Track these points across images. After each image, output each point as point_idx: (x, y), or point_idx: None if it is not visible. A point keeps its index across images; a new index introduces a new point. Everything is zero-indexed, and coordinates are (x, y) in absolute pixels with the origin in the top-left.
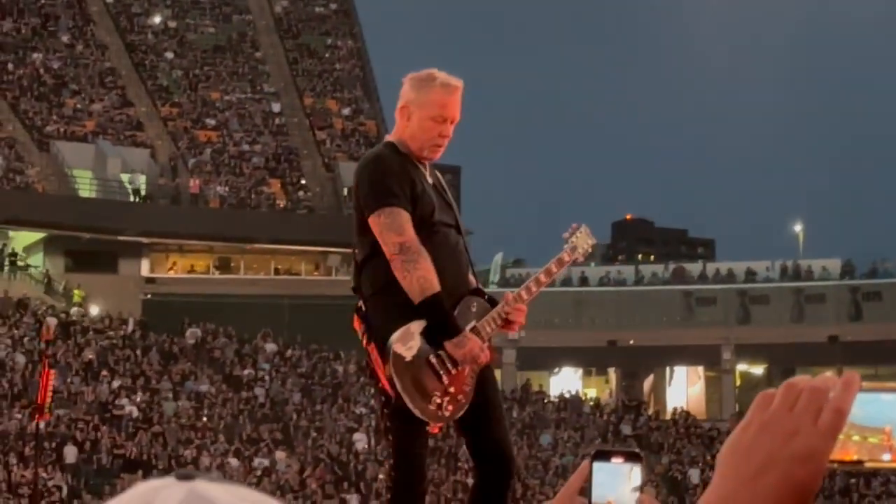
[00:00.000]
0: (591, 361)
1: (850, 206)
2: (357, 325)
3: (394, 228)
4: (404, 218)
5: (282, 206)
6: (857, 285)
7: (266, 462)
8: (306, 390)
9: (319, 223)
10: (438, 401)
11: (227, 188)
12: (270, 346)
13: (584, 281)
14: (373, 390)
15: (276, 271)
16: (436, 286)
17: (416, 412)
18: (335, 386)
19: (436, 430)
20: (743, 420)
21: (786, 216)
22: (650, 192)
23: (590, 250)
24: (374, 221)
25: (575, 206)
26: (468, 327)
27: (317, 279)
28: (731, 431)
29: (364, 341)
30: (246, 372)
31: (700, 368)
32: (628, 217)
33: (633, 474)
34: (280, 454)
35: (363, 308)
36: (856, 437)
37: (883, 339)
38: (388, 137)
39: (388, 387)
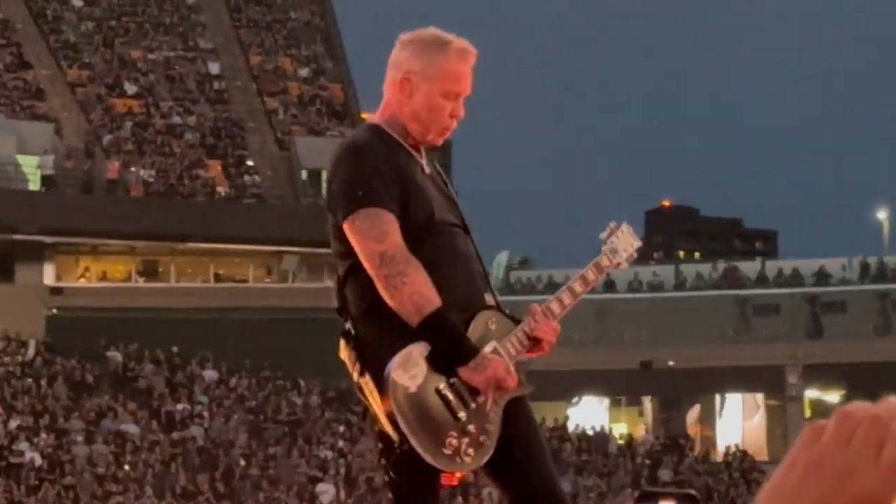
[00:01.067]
0: (621, 388)
1: None
2: (344, 353)
3: (372, 235)
4: (385, 220)
5: (223, 194)
6: None
7: None
8: (256, 429)
9: (271, 215)
10: (455, 443)
11: (152, 172)
12: (210, 374)
13: (609, 286)
14: (342, 428)
15: (217, 277)
16: (434, 300)
17: (428, 458)
18: (293, 424)
19: (453, 482)
20: (786, 458)
21: (865, 202)
22: (694, 173)
23: (634, 254)
24: (348, 228)
25: (597, 192)
26: (487, 348)
27: (268, 287)
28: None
29: (355, 373)
30: (179, 407)
31: (759, 396)
32: (666, 204)
33: None
34: None
35: (352, 331)
36: None
37: None
38: (373, 119)
39: (390, 428)
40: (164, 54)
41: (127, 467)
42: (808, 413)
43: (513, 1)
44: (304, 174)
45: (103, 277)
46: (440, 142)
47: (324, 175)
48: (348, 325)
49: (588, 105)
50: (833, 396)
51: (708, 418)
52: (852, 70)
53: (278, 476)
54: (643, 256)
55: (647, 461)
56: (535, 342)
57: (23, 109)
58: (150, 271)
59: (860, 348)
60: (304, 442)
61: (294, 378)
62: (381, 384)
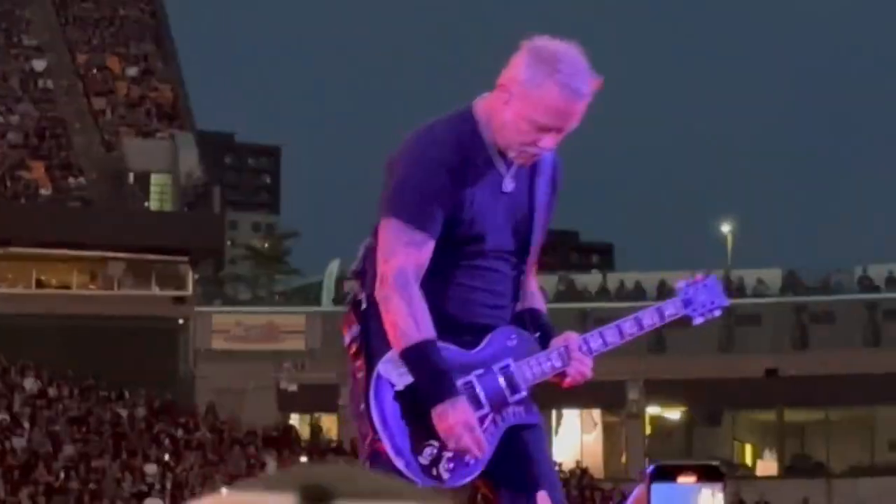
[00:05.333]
0: None
1: (793, 202)
2: (346, 324)
3: (383, 249)
4: (404, 239)
5: (47, 196)
6: (802, 303)
7: None
8: (79, 441)
9: (97, 219)
10: (435, 453)
11: None
12: (31, 383)
13: None
14: (167, 440)
15: (39, 283)
16: (409, 337)
17: (399, 463)
18: (117, 436)
19: None
20: None
21: (710, 215)
22: None
23: (716, 313)
24: (379, 227)
25: None
26: (496, 366)
27: (93, 294)
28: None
29: (352, 349)
30: None
31: (596, 412)
32: None
33: (708, 499)
34: None
35: (363, 303)
36: None
37: (836, 372)
38: (479, 103)
39: (365, 420)
40: None
41: None
42: (648, 430)
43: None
44: (131, 177)
45: None
46: (523, 163)
47: (153, 178)
48: (361, 296)
49: (426, 108)
50: (674, 413)
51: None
52: (691, 77)
53: (102, 490)
54: None
55: None
56: (561, 374)
57: None
58: None
59: (703, 364)
60: (128, 455)
61: (119, 389)
62: (369, 372)
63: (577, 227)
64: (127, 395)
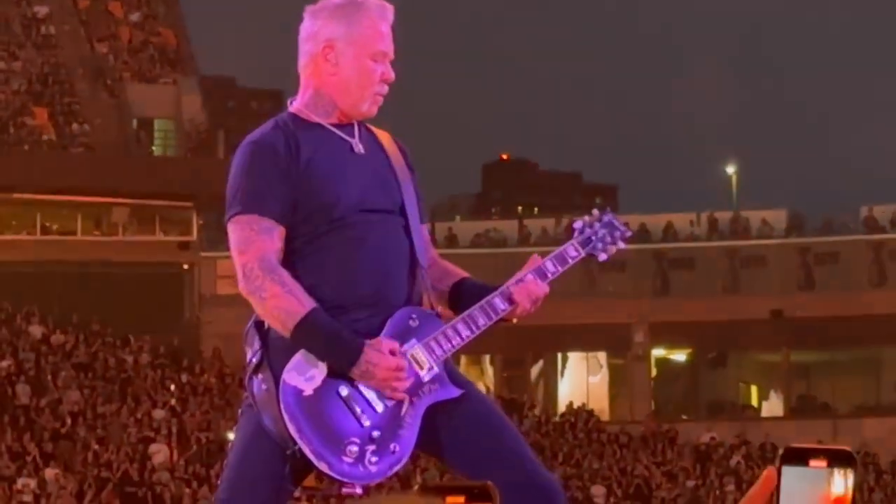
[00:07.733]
0: (462, 347)
1: (797, 142)
2: (249, 342)
3: (238, 245)
4: (257, 228)
5: (51, 142)
6: (807, 244)
7: (33, 483)
8: (85, 388)
9: (101, 165)
10: (357, 450)
11: None
12: (36, 330)
13: (451, 240)
14: (173, 386)
15: (44, 229)
16: (297, 310)
17: (323, 467)
18: (123, 382)
19: (358, 492)
20: None
21: (715, 155)
22: (530, 125)
23: (620, 245)
24: (229, 235)
25: (429, 144)
26: (407, 346)
27: (98, 240)
28: (646, 437)
29: (253, 360)
30: (3, 363)
31: (601, 354)
32: (504, 157)
33: (839, 483)
34: (51, 472)
35: (265, 323)
36: None
37: (840, 314)
38: (293, 106)
39: (282, 430)
40: None
41: None
42: (654, 372)
43: None
44: (135, 123)
45: None
46: (374, 111)
47: (156, 124)
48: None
49: (423, 55)
50: (680, 355)
51: (550, 377)
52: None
53: (109, 436)
54: (482, 211)
55: None
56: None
57: None
58: None
59: (708, 306)
60: (134, 401)
61: (125, 335)
62: (276, 384)
63: (580, 168)
64: (132, 340)
